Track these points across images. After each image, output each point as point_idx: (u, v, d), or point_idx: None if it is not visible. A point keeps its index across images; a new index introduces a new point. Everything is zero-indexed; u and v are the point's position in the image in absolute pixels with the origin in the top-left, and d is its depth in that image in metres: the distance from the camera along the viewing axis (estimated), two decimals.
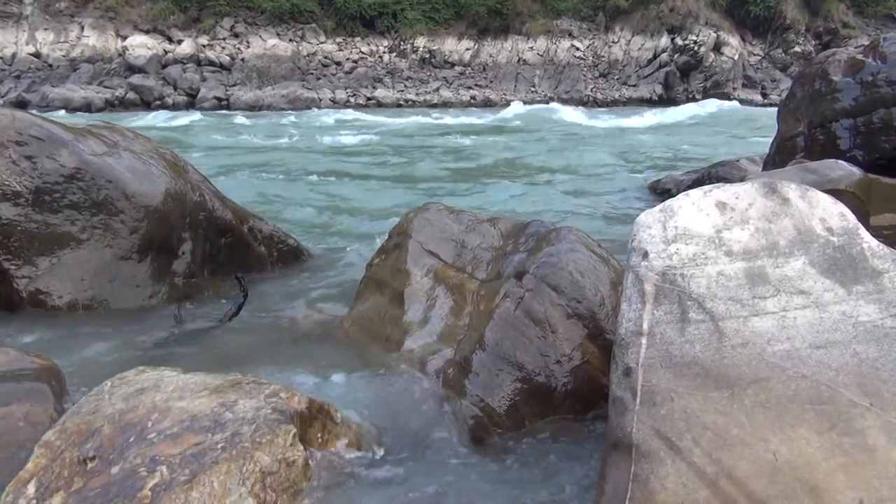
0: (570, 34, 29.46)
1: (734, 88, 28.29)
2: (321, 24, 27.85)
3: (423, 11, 28.61)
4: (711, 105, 22.74)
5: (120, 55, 25.27)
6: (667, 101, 26.56)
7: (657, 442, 1.57)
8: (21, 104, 20.72)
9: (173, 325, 3.36)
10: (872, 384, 1.58)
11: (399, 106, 25.53)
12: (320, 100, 25.19)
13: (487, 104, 26.32)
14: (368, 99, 25.99)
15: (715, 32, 28.16)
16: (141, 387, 2.01)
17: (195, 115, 19.68)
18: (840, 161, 3.75)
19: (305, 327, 3.39)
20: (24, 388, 2.11)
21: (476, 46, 28.99)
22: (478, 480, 2.12)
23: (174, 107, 23.50)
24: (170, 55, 25.60)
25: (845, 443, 1.52)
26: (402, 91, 27.19)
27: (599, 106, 26.63)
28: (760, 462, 1.51)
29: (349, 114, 20.38)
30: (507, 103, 25.08)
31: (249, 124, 17.37)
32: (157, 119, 18.74)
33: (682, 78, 28.36)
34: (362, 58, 28.11)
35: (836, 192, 2.89)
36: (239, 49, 26.49)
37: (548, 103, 24.97)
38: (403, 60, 28.46)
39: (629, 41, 29.19)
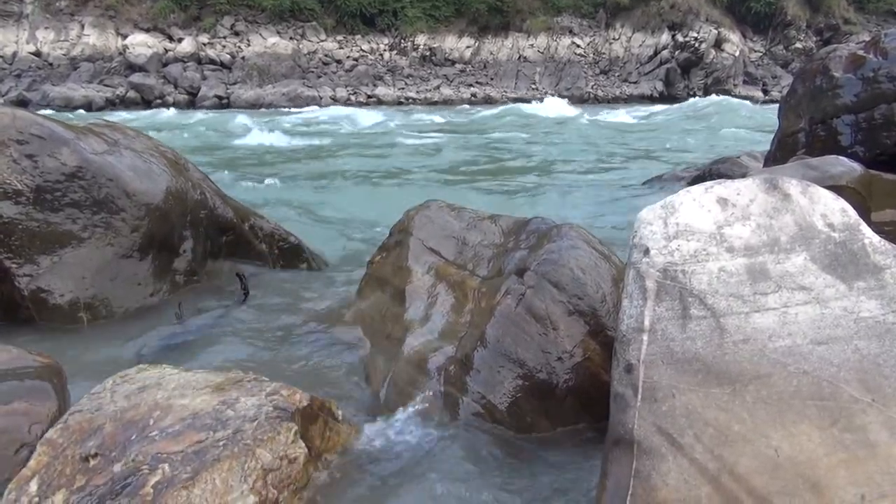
0: (570, 31, 29.45)
1: (735, 85, 28.28)
2: (321, 22, 27.85)
3: (424, 9, 28.61)
4: (712, 101, 22.71)
5: (120, 54, 25.30)
6: (668, 97, 26.55)
7: (659, 438, 1.57)
8: (22, 103, 20.75)
9: (174, 322, 3.36)
10: (874, 380, 1.58)
11: (400, 104, 25.55)
12: (321, 98, 25.21)
13: (488, 101, 26.31)
14: (369, 97, 26.00)
15: (716, 29, 28.14)
16: (142, 385, 2.01)
17: (196, 114, 19.67)
18: (841, 157, 3.74)
19: (306, 325, 3.40)
20: (26, 387, 2.11)
21: (476, 44, 28.98)
22: (480, 477, 2.12)
23: (175, 105, 23.53)
24: (170, 54, 25.62)
25: (847, 439, 1.52)
26: (403, 89, 27.19)
27: (600, 103, 26.61)
28: (762, 458, 1.51)
29: (350, 111, 20.36)
30: (509, 100, 25.08)
31: (250, 122, 17.36)
32: (157, 117, 18.73)
33: (683, 75, 28.34)
34: (363, 56, 28.11)
35: (837, 188, 2.89)
36: (239, 47, 26.50)
37: (541, 100, 24.93)
38: (404, 58, 28.46)
39: (630, 38, 29.17)
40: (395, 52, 28.54)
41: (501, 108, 22.50)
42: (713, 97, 24.63)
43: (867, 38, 5.16)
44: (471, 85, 27.88)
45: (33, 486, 1.69)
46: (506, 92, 27.43)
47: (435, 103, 25.77)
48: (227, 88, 25.07)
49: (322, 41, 27.75)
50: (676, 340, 1.64)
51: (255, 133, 14.87)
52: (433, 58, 28.66)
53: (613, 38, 29.40)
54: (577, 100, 26.57)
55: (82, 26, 25.48)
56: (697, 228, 1.73)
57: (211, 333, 3.30)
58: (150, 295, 3.56)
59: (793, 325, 1.63)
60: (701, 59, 28.02)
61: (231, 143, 12.97)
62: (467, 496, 2.04)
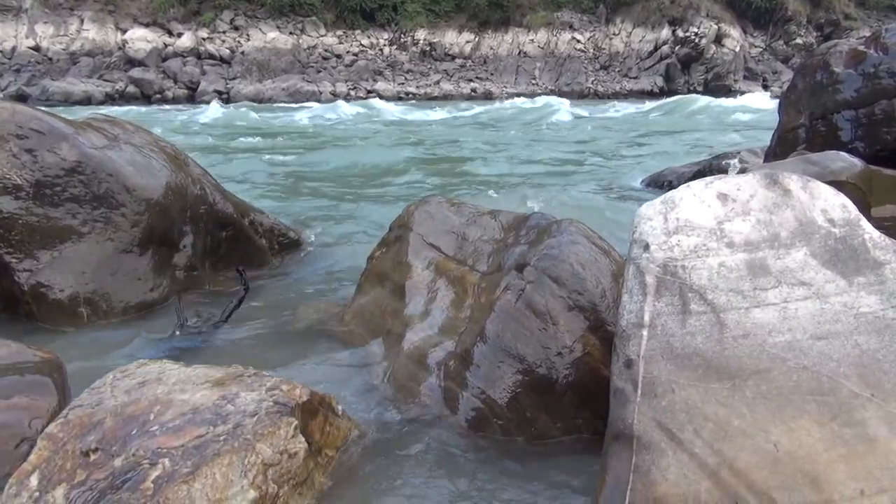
0: (570, 26, 29.38)
1: (735, 80, 28.22)
2: (321, 16, 27.79)
3: (424, 4, 28.54)
4: (711, 97, 22.66)
5: (120, 48, 25.24)
6: (668, 93, 26.48)
7: (658, 433, 1.57)
8: (21, 98, 20.69)
9: (174, 317, 3.37)
10: (873, 375, 1.58)
11: (399, 99, 25.49)
12: (321, 93, 25.16)
13: (488, 97, 26.28)
14: (369, 92, 25.94)
15: (716, 24, 28.07)
16: (143, 379, 2.01)
17: (196, 109, 19.65)
18: (841, 152, 3.73)
19: (306, 320, 3.40)
20: (27, 381, 2.12)
21: (476, 39, 28.92)
22: (479, 472, 2.13)
23: (174, 100, 23.48)
24: (170, 48, 25.56)
25: (846, 433, 1.52)
26: (403, 84, 27.14)
27: (600, 98, 26.57)
28: (761, 453, 1.52)
29: (349, 106, 20.32)
30: (509, 96, 25.04)
31: (250, 117, 17.34)
32: (157, 112, 18.70)
33: (683, 70, 28.28)
34: (362, 51, 28.06)
35: (837, 184, 2.88)
36: (239, 42, 26.45)
37: (534, 98, 24.89)
38: (404, 53, 28.40)
39: (630, 33, 29.11)
40: (394, 47, 28.48)
41: (500, 103, 22.47)
42: (713, 92, 24.58)
43: (868, 34, 5.15)
44: (471, 80, 27.83)
45: (34, 481, 1.69)
46: (506, 87, 27.37)
47: (435, 98, 25.72)
48: (227, 83, 25.02)
49: (322, 36, 27.69)
50: (676, 336, 1.64)
51: (253, 128, 14.85)
52: (433, 53, 28.61)
53: (613, 34, 29.34)
54: (577, 95, 26.53)
55: (81, 21, 25.41)
56: (697, 224, 1.73)
57: (211, 329, 3.30)
58: (150, 290, 3.57)
59: (793, 320, 1.64)
60: (701, 54, 27.95)
61: (230, 139, 12.95)
62: (466, 490, 2.04)
